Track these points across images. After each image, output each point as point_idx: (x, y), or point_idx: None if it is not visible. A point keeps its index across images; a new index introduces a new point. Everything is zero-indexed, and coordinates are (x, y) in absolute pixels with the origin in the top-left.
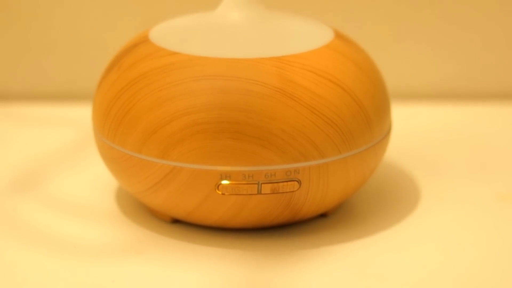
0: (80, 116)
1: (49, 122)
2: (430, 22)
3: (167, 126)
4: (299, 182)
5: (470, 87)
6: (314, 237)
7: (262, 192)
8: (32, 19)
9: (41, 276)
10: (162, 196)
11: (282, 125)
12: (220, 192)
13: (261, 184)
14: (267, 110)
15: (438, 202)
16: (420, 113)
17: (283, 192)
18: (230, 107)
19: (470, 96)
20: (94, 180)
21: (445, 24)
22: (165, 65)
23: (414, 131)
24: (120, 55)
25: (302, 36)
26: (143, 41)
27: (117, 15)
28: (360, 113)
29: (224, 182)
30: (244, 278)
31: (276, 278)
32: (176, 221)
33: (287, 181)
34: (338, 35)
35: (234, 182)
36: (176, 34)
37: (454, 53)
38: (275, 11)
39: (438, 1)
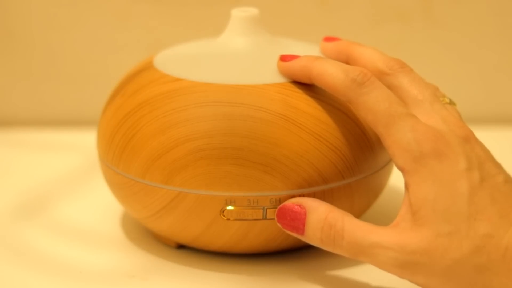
0: (86, 142)
1: (55, 148)
2: (434, 45)
3: (170, 152)
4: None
5: (474, 111)
6: (319, 262)
7: (267, 217)
8: (37, 46)
9: None
10: (167, 222)
11: (286, 151)
12: (225, 218)
13: (266, 209)
14: (270, 136)
15: None
16: None
17: None
18: (234, 133)
19: (474, 120)
20: (100, 205)
21: (449, 48)
22: (169, 91)
23: None
24: (124, 81)
25: None
26: (148, 67)
27: (121, 41)
28: (363, 139)
29: (229, 207)
30: None
31: None
32: (181, 247)
33: None
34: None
35: (239, 208)
36: (180, 61)
37: (458, 76)
38: (279, 37)
39: (442, 28)
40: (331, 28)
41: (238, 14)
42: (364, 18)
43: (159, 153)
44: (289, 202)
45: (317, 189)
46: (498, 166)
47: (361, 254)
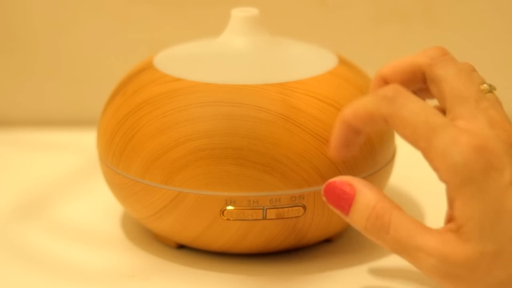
0: (86, 142)
1: (55, 148)
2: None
3: (170, 152)
4: (304, 207)
5: None
6: (319, 262)
7: (267, 217)
8: (37, 46)
9: None
10: (167, 222)
11: (286, 151)
12: (225, 218)
13: (266, 209)
14: (270, 136)
15: None
16: None
17: (288, 218)
18: (234, 133)
19: None
20: (100, 205)
21: (448, 48)
22: (169, 91)
23: (419, 156)
24: (124, 81)
25: (305, 63)
26: (148, 67)
27: (122, 41)
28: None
29: (229, 207)
30: None
31: None
32: (181, 247)
33: (292, 207)
34: (342, 61)
35: (239, 208)
36: (180, 61)
37: None
38: (279, 38)
39: (442, 28)
40: (331, 28)
41: (238, 14)
42: (364, 18)
43: (159, 153)
44: (339, 179)
45: (317, 189)
46: None
47: (403, 253)
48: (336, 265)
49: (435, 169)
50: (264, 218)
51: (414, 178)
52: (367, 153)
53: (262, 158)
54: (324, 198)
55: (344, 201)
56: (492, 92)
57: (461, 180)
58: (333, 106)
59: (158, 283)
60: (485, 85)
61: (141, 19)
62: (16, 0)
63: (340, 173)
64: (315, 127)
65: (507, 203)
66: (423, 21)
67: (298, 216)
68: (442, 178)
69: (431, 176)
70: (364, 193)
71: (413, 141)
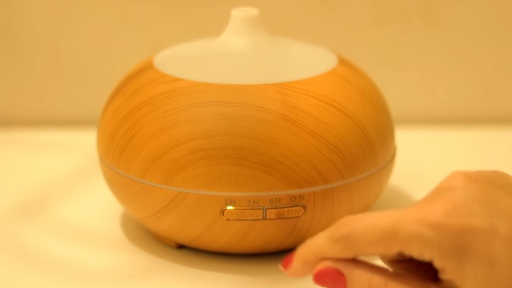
0: (86, 142)
1: (55, 148)
2: (434, 45)
3: (171, 152)
4: (304, 207)
5: (474, 111)
6: None
7: (267, 217)
8: (37, 46)
9: None
10: (167, 222)
11: (286, 151)
12: (225, 218)
13: (266, 209)
14: (270, 136)
15: None
16: (426, 138)
17: (288, 218)
18: (234, 133)
19: (474, 121)
20: (100, 205)
21: (448, 48)
22: (169, 91)
23: (419, 156)
24: (124, 81)
25: (305, 63)
26: (148, 67)
27: (122, 41)
28: (363, 139)
29: (229, 207)
30: None
31: None
32: (181, 247)
33: (292, 207)
34: (342, 61)
35: (239, 208)
36: (180, 61)
37: (457, 76)
38: (279, 38)
39: (442, 28)
40: (331, 28)
41: (238, 14)
42: (364, 18)
43: (159, 153)
44: (325, 268)
45: (317, 189)
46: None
47: None
48: None
49: (419, 256)
50: (264, 218)
51: (414, 178)
52: (367, 153)
53: (262, 158)
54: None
55: (339, 286)
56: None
57: (445, 252)
58: (333, 106)
59: (158, 283)
60: None
61: (141, 19)
62: (17, 0)
63: (340, 172)
64: (315, 127)
65: (493, 252)
66: (423, 21)
67: (298, 216)
68: (429, 260)
69: (431, 176)
70: (355, 274)
71: (385, 251)
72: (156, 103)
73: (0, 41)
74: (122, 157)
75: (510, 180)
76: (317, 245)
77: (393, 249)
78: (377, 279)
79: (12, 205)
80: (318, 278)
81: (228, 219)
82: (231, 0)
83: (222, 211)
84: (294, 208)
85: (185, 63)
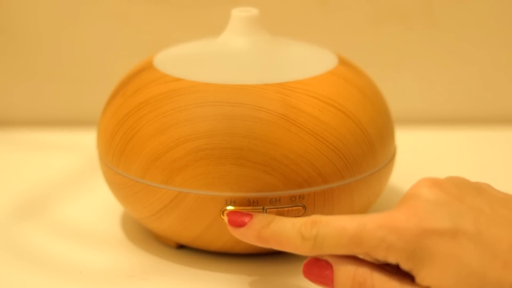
0: (86, 142)
1: (55, 148)
2: (433, 46)
3: (170, 152)
4: (304, 207)
5: (474, 111)
6: None
7: None
8: (37, 46)
9: None
10: (167, 222)
11: (286, 151)
12: (225, 218)
13: (266, 209)
14: (270, 136)
15: None
16: (426, 138)
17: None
18: (234, 133)
19: (474, 121)
20: (100, 205)
21: (448, 48)
22: (169, 91)
23: (419, 155)
24: (124, 81)
25: (305, 62)
26: (148, 67)
27: (122, 41)
28: (363, 139)
29: (229, 207)
30: None
31: None
32: (181, 247)
33: (292, 207)
34: (342, 61)
35: (239, 208)
36: (180, 61)
37: (457, 77)
38: (279, 37)
39: (442, 28)
40: (331, 28)
41: (238, 14)
42: (364, 18)
43: (159, 153)
44: (313, 259)
45: (317, 189)
46: None
47: None
48: None
49: (384, 259)
50: None
51: (414, 178)
52: (367, 153)
53: (262, 158)
54: (306, 278)
55: (326, 277)
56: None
57: (408, 256)
58: (333, 106)
59: (158, 283)
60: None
61: (141, 19)
62: (17, 0)
63: (340, 172)
64: (315, 127)
65: (460, 249)
66: (423, 21)
67: (298, 216)
68: (394, 263)
69: (432, 174)
70: (341, 263)
71: (351, 252)
72: (156, 103)
73: (0, 41)
74: (122, 157)
75: (483, 186)
76: (288, 234)
77: (359, 252)
78: (362, 269)
79: (12, 205)
80: (307, 269)
81: None
82: (231, 0)
83: (222, 211)
84: (294, 208)
85: (185, 63)
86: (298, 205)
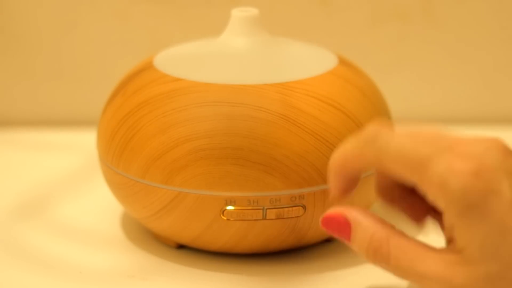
0: (86, 142)
1: (55, 148)
2: (433, 45)
3: (170, 152)
4: (304, 207)
5: (474, 111)
6: (319, 262)
7: (267, 217)
8: (37, 46)
9: None
10: (167, 222)
11: (286, 151)
12: (225, 218)
13: (266, 209)
14: (270, 136)
15: None
16: None
17: (288, 218)
18: (234, 133)
19: (474, 121)
20: (100, 205)
21: (448, 48)
22: (169, 91)
23: None
24: (124, 81)
25: (305, 62)
26: (148, 67)
27: (122, 41)
28: None
29: (229, 207)
30: None
31: None
32: (181, 247)
33: (292, 207)
34: (342, 61)
35: (239, 208)
36: (180, 61)
37: (457, 76)
38: (279, 37)
39: (442, 28)
40: (331, 28)
41: (238, 14)
42: (364, 18)
43: (159, 153)
44: (334, 212)
45: (317, 189)
46: None
47: (407, 278)
48: (336, 265)
49: (433, 199)
50: (264, 218)
51: None
52: None
53: (262, 158)
54: (324, 229)
55: (344, 233)
56: None
57: (462, 208)
58: (333, 106)
59: (158, 283)
60: None
61: (141, 19)
62: (17, 0)
63: None
64: (315, 127)
65: (510, 223)
66: (423, 21)
67: (298, 216)
68: (441, 208)
69: None
70: (359, 224)
71: (406, 175)
72: (156, 103)
73: (0, 41)
74: (122, 157)
75: None
76: (345, 148)
77: (413, 179)
78: (379, 234)
79: (12, 205)
80: (325, 222)
81: (228, 219)
82: (231, 0)
83: (222, 211)
84: (294, 208)
85: (185, 63)
86: (298, 205)
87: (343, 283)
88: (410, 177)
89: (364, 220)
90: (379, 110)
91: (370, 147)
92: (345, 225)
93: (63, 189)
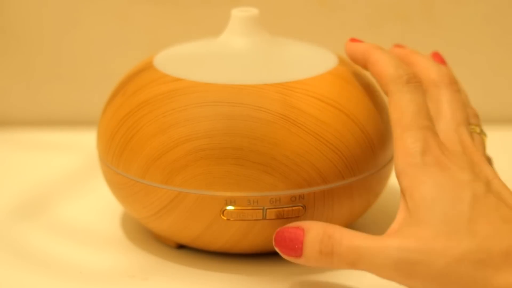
0: (86, 142)
1: (55, 148)
2: (434, 46)
3: (170, 152)
4: (304, 207)
5: None
6: None
7: (267, 217)
8: (37, 46)
9: None
10: (167, 222)
11: (286, 151)
12: (225, 218)
13: (266, 209)
14: (270, 136)
15: None
16: None
17: (288, 218)
18: (234, 133)
19: None
20: (100, 205)
21: (448, 48)
22: (169, 91)
23: None
24: (124, 81)
25: (306, 62)
26: (148, 67)
27: (121, 41)
28: (363, 139)
29: (229, 207)
30: None
31: None
32: (181, 247)
33: (292, 207)
34: (342, 61)
35: (239, 208)
36: (180, 61)
37: (457, 76)
38: (279, 37)
39: (442, 28)
40: (331, 28)
41: (238, 14)
42: (364, 18)
43: (159, 153)
44: (286, 226)
45: (317, 189)
46: (506, 187)
47: (358, 259)
48: None
49: (395, 158)
50: (264, 218)
51: None
52: (367, 153)
53: (262, 158)
54: (276, 248)
55: (295, 240)
56: (482, 135)
57: (416, 170)
58: (333, 106)
59: (158, 283)
60: (478, 127)
61: (141, 19)
62: (17, 0)
63: (340, 173)
64: (315, 127)
65: (462, 193)
66: (423, 21)
67: (298, 216)
68: (397, 168)
69: None
70: (313, 225)
71: (394, 126)
72: (156, 103)
73: (0, 41)
74: (122, 157)
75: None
76: (384, 58)
77: None
78: (332, 227)
79: (12, 205)
80: (278, 236)
81: (228, 219)
82: (231, 0)
83: (222, 211)
84: (294, 208)
85: (185, 63)
86: (298, 205)
87: (343, 283)
88: (395, 129)
89: (315, 222)
90: (379, 110)
91: (395, 84)
92: (297, 232)
93: (63, 189)
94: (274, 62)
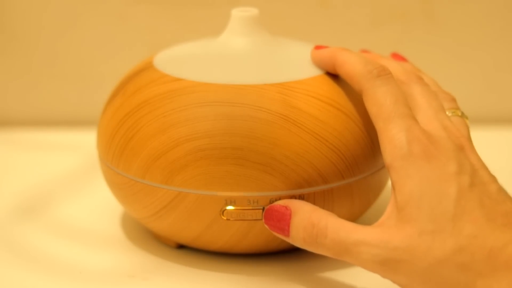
0: (86, 142)
1: (55, 148)
2: (434, 45)
3: (170, 152)
4: None
5: (474, 111)
6: (319, 262)
7: None
8: (37, 46)
9: None
10: (167, 222)
11: (286, 151)
12: (225, 218)
13: (266, 209)
14: (270, 136)
15: None
16: None
17: None
18: (234, 133)
19: (474, 121)
20: (100, 205)
21: (448, 48)
22: (169, 91)
23: None
24: (124, 81)
25: (305, 63)
26: (148, 67)
27: (121, 41)
28: (363, 139)
29: (229, 207)
30: None
31: None
32: (181, 247)
33: None
34: None
35: (239, 208)
36: (180, 61)
37: (457, 76)
38: (279, 37)
39: (442, 28)
40: (331, 28)
41: (238, 14)
42: (364, 18)
43: (159, 153)
44: (276, 204)
45: (317, 189)
46: (492, 176)
47: (344, 252)
48: (336, 265)
49: (382, 151)
50: None
51: None
52: (367, 153)
53: (262, 158)
54: (265, 225)
55: (283, 222)
56: (464, 118)
57: (403, 163)
58: (333, 106)
59: (158, 283)
60: (458, 111)
61: (141, 19)
62: (17, 0)
63: (340, 172)
64: (315, 127)
65: (448, 188)
66: (423, 21)
67: None
68: (386, 161)
69: None
70: (299, 208)
71: (375, 119)
72: (156, 103)
73: (0, 41)
74: (122, 157)
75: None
76: (351, 57)
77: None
78: (318, 212)
79: (12, 205)
80: (267, 214)
81: (228, 219)
82: (231, 0)
83: (222, 211)
84: None
85: (185, 63)
86: None
87: (343, 283)
88: (376, 122)
89: (304, 205)
90: None
91: (367, 80)
92: (285, 213)
93: (63, 189)
94: (274, 62)
